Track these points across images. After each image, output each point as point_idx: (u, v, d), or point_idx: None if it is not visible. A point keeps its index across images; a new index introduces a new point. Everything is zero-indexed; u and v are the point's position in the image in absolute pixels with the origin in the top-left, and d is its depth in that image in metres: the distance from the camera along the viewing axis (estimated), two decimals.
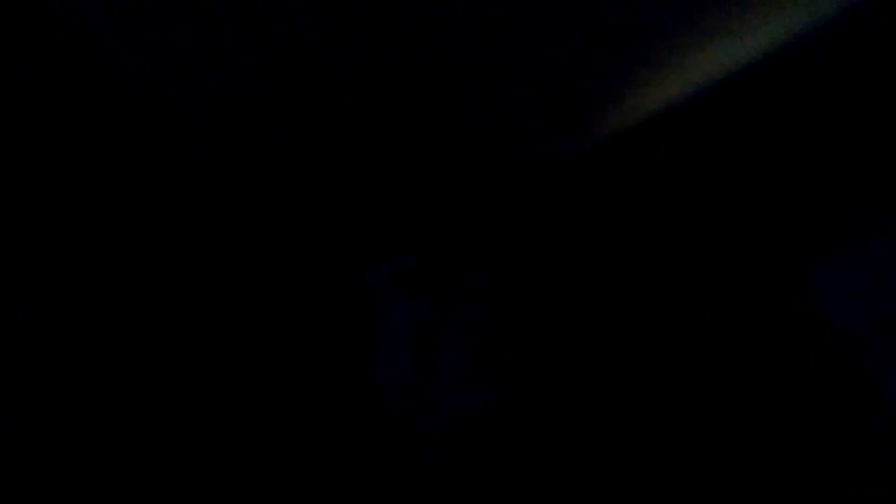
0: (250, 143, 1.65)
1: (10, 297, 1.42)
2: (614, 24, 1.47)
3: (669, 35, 1.50)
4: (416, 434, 1.77)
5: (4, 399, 1.36)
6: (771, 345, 1.65)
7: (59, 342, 1.43)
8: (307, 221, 1.86)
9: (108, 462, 1.43)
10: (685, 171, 1.80)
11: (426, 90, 1.61)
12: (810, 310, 1.63)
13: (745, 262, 1.73)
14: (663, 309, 1.76)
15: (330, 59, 1.51)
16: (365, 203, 1.85)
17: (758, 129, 1.72)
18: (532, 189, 1.86)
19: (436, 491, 1.71)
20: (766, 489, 1.59)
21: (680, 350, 1.71)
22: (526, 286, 1.85)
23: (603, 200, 1.83)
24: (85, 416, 1.43)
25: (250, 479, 1.69)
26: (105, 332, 1.52)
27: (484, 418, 1.73)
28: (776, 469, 1.59)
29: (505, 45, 1.52)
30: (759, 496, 1.58)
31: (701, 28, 1.50)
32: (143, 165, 1.62)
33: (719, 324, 1.70)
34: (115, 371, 1.50)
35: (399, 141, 1.73)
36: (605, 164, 1.82)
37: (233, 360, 1.76)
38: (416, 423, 1.78)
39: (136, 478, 1.45)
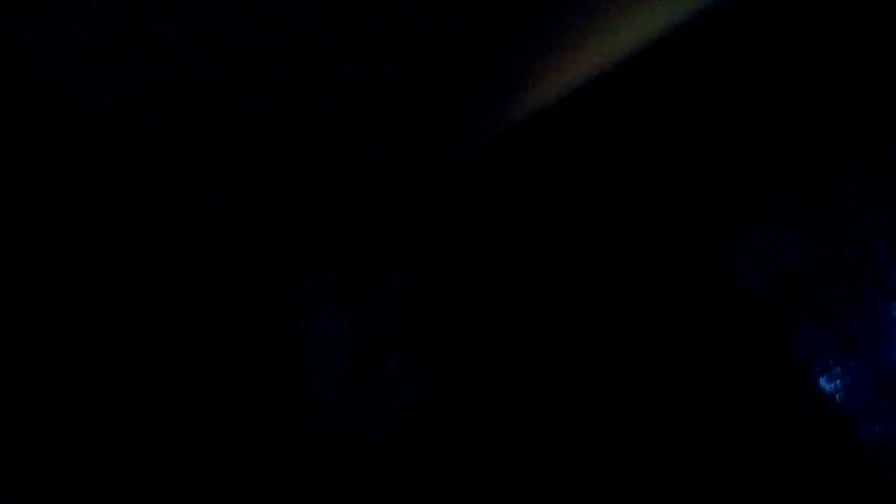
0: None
1: (9, 297, 1.45)
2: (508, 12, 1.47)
3: (567, 18, 1.50)
4: (350, 427, 1.86)
5: (4, 399, 1.38)
6: (689, 313, 1.76)
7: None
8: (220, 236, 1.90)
9: (102, 461, 1.47)
10: (593, 157, 1.84)
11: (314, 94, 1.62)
12: (723, 278, 1.78)
13: (661, 239, 1.81)
14: (583, 290, 1.83)
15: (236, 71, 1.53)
16: (278, 215, 1.89)
17: (664, 109, 1.77)
18: (437, 188, 1.92)
19: (367, 480, 1.80)
20: (686, 451, 1.72)
21: (602, 329, 1.81)
22: (444, 280, 1.94)
23: (513, 191, 1.89)
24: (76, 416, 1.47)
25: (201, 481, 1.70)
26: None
27: (415, 407, 1.84)
28: (697, 428, 1.74)
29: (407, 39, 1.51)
30: (679, 461, 1.71)
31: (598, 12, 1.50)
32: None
33: (640, 299, 1.79)
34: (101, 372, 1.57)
35: (305, 151, 1.75)
36: (510, 157, 1.87)
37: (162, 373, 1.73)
38: (350, 418, 1.87)
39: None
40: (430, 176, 1.92)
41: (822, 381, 1.85)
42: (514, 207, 1.89)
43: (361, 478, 1.82)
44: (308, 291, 2.02)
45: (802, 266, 1.78)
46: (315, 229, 2.00)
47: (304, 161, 1.81)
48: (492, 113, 1.77)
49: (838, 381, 1.83)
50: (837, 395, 1.84)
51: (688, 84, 1.75)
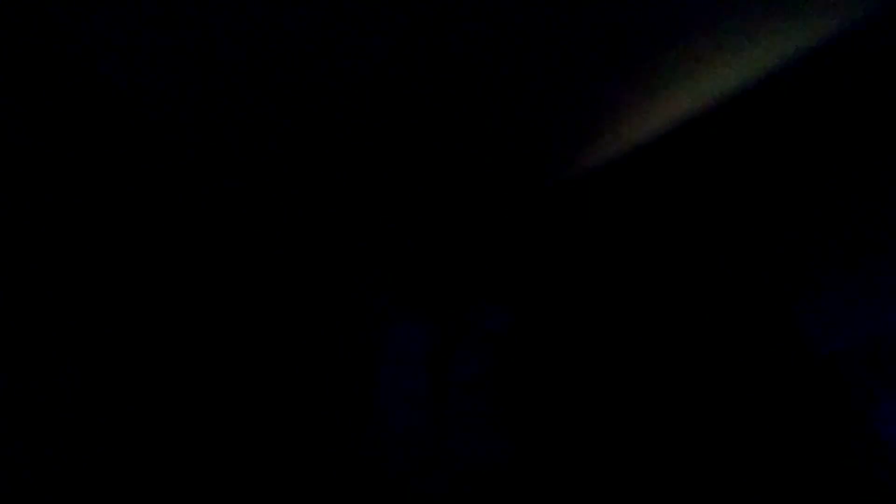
0: (250, 154, 1.66)
1: (8, 297, 1.46)
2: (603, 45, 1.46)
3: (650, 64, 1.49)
4: (411, 473, 1.73)
5: (3, 399, 1.40)
6: (761, 373, 1.66)
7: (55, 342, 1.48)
8: (307, 235, 1.84)
9: (104, 462, 1.49)
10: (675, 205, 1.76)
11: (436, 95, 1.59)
12: (796, 339, 1.65)
13: (735, 297, 1.73)
14: (665, 348, 1.75)
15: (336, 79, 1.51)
16: (369, 220, 1.83)
17: (747, 160, 1.71)
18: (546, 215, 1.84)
19: None
20: None
21: (686, 390, 1.72)
22: (544, 330, 1.80)
23: (626, 228, 1.81)
24: (81, 416, 1.49)
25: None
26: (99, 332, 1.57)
27: (491, 470, 1.70)
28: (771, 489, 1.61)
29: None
30: None
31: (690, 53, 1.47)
32: (139, 168, 1.67)
33: (715, 355, 1.70)
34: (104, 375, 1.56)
35: (412, 158, 1.71)
36: (625, 187, 1.78)
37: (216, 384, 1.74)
38: (414, 463, 1.73)
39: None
40: (538, 202, 1.83)
41: None
42: (628, 247, 1.79)
43: None
44: (392, 309, 1.89)
45: (888, 334, 1.61)
46: (407, 242, 1.91)
47: (406, 170, 1.75)
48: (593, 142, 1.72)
49: None
50: None
51: (773, 134, 1.67)
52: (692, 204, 1.74)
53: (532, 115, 1.60)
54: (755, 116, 1.61)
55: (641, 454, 1.67)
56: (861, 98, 1.58)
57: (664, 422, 1.69)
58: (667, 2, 1.36)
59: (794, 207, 1.69)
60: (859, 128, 1.62)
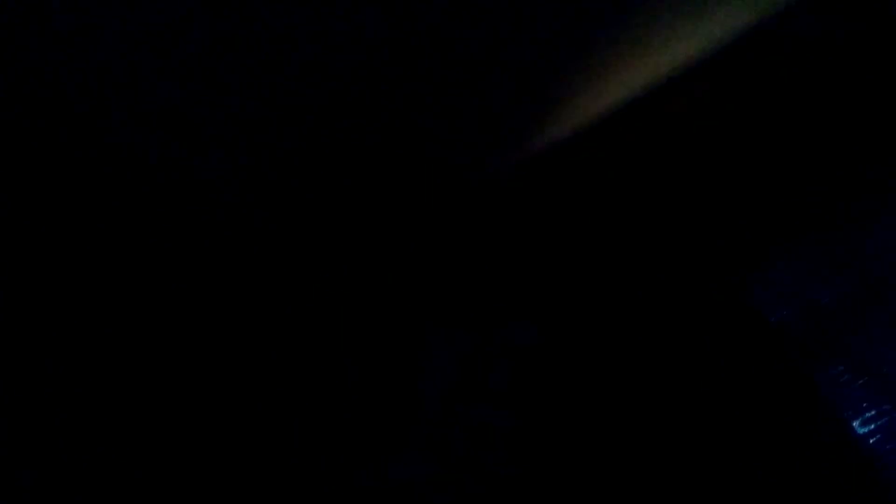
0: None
1: (9, 298, 1.41)
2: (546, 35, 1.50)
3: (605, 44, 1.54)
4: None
5: (3, 399, 1.37)
6: (721, 348, 1.76)
7: (57, 342, 1.45)
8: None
9: (104, 461, 1.46)
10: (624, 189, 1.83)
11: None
12: (748, 310, 1.78)
13: (692, 274, 1.81)
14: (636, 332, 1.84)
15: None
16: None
17: (696, 140, 1.76)
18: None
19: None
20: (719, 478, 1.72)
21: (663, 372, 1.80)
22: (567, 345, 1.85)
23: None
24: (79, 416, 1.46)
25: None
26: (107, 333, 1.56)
27: (515, 483, 1.74)
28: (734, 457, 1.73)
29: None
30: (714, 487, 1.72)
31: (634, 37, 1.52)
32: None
33: (681, 331, 1.79)
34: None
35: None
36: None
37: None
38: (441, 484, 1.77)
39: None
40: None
41: (856, 424, 1.83)
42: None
43: None
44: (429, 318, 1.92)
45: (836, 304, 1.77)
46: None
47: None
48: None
49: (872, 425, 1.81)
50: (871, 439, 1.81)
51: (717, 115, 1.73)
52: (653, 191, 1.82)
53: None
54: (706, 97, 1.66)
55: (652, 464, 1.74)
56: (791, 86, 1.66)
57: (672, 434, 1.77)
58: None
59: (744, 190, 1.79)
60: (798, 114, 1.72)
